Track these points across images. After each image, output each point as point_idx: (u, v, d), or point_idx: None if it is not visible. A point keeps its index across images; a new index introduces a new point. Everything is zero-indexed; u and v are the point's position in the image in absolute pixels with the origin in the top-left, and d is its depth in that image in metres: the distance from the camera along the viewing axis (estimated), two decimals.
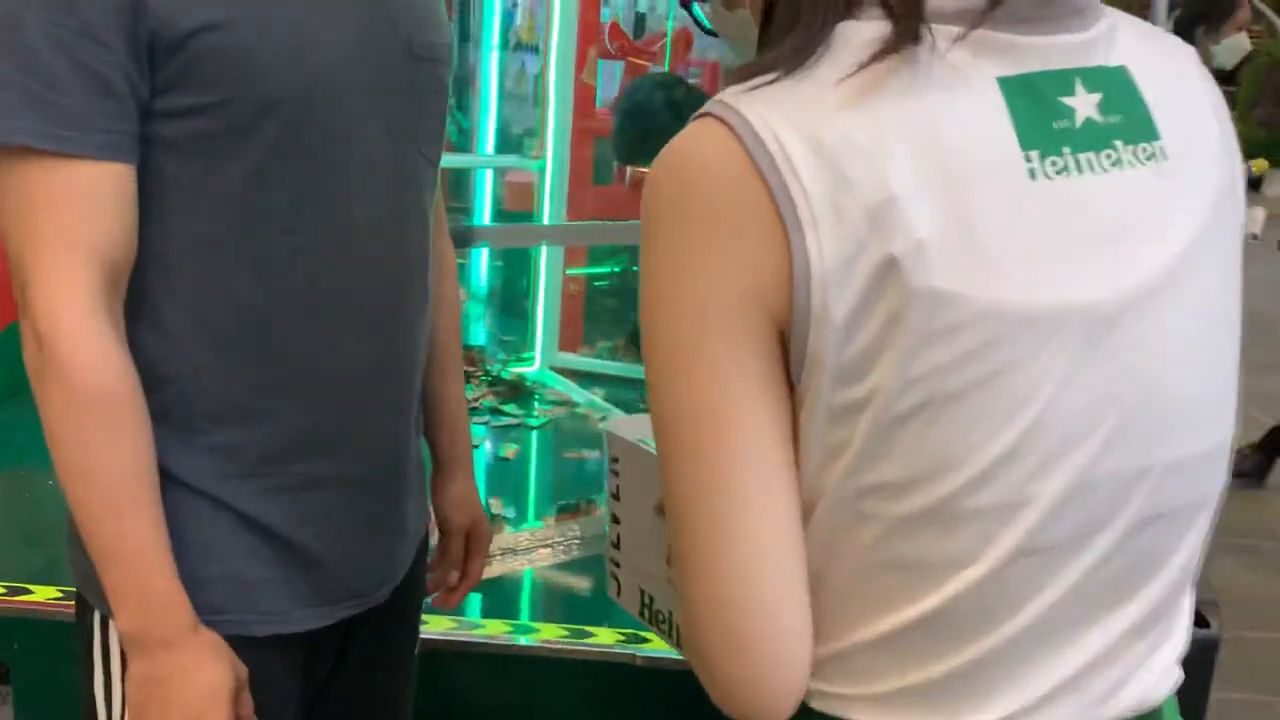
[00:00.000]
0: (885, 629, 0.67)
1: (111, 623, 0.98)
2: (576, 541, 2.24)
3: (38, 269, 0.89)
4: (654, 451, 1.19)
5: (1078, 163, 0.66)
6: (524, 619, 1.95)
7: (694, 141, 0.66)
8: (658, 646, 1.90)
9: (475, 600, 1.93)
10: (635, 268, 2.90)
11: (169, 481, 0.96)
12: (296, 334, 1.00)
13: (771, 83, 0.65)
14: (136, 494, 0.92)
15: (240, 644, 0.98)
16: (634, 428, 1.31)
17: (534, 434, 2.79)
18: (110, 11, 0.87)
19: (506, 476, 2.56)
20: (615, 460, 1.17)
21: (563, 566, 2.17)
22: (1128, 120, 0.68)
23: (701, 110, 0.67)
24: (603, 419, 2.86)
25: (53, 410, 0.91)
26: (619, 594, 1.21)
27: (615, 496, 1.18)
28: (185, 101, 0.92)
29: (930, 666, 0.67)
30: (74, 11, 0.87)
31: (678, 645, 1.14)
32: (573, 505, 2.24)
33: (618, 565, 1.20)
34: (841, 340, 0.62)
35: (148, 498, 0.93)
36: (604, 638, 1.91)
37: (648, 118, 2.65)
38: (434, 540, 1.32)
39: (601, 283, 3.53)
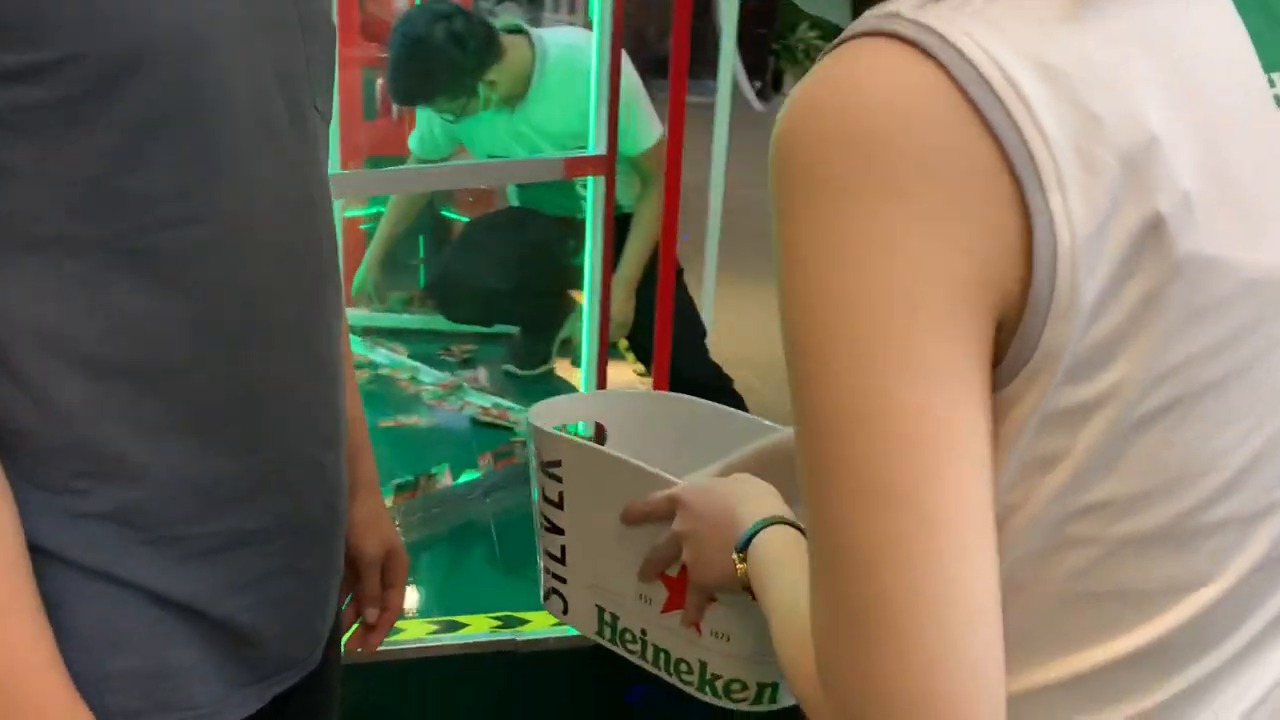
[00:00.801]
0: (1078, 669, 0.57)
1: None
2: (416, 520, 2.06)
3: None
4: (608, 451, 1.06)
5: None
6: None
7: (875, 73, 0.48)
8: (538, 627, 1.78)
9: None
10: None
11: (47, 562, 0.74)
12: (197, 353, 0.78)
13: None
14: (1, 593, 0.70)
15: None
16: (559, 413, 1.16)
17: None
18: None
19: None
20: (555, 464, 1.02)
21: (412, 551, 1.98)
22: None
23: (868, 28, 0.50)
24: (411, 379, 2.65)
25: None
26: (565, 612, 1.07)
27: (556, 504, 1.03)
28: (8, 61, 0.67)
29: (1126, 706, 0.58)
30: None
31: (654, 666, 1.01)
32: (411, 482, 2.04)
33: (562, 580, 1.06)
34: (1084, 329, 0.49)
35: (18, 595, 0.71)
36: (479, 626, 1.77)
37: (430, 53, 2.41)
38: None
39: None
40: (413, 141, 2.74)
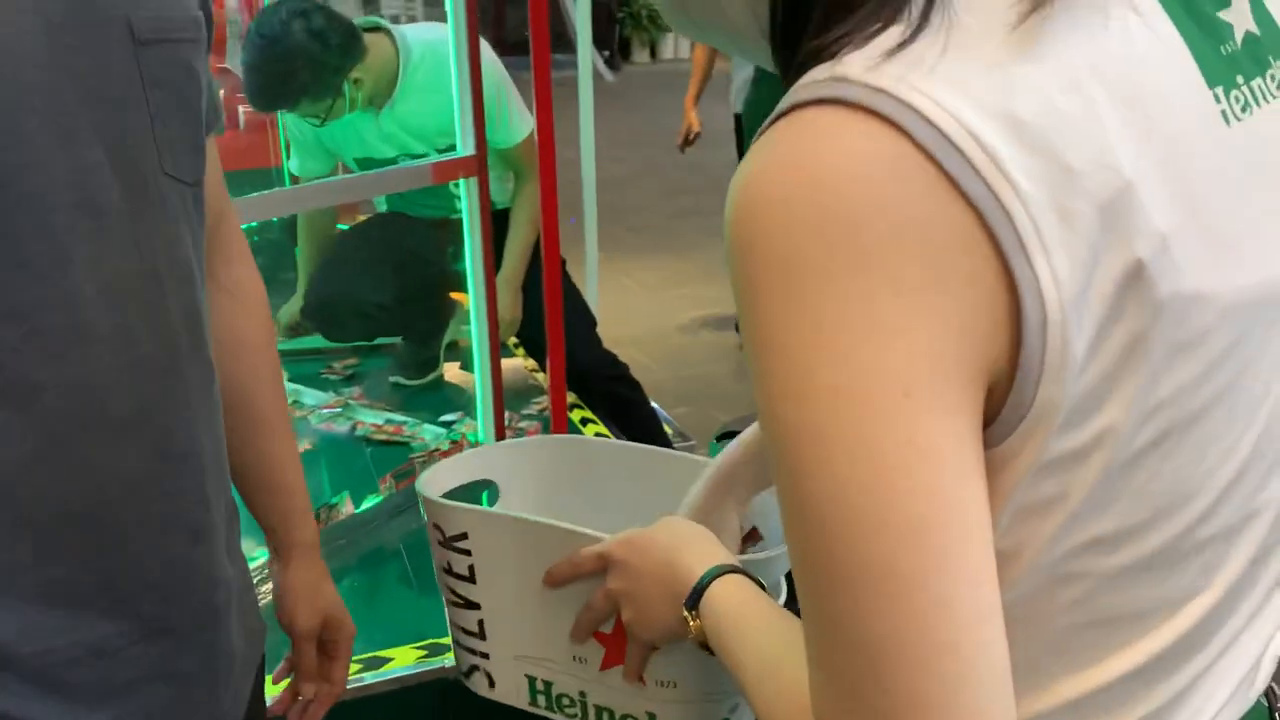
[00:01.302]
0: (1070, 695, 0.56)
1: None
2: (322, 555, 1.96)
3: None
4: (519, 515, 1.00)
5: (1253, 94, 0.55)
6: None
7: (838, 149, 0.45)
8: None
9: None
10: (275, 220, 2.48)
11: None
12: (18, 458, 0.71)
13: (905, 44, 0.46)
14: None
15: None
16: (449, 478, 1.09)
17: None
18: None
19: None
20: (461, 537, 0.96)
21: None
22: (1270, 32, 0.58)
23: (819, 95, 0.46)
24: (295, 403, 2.54)
25: None
26: (491, 687, 1.01)
27: (466, 578, 0.97)
28: None
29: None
30: None
31: None
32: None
33: (483, 656, 1.00)
34: (1075, 381, 0.48)
35: None
36: (405, 658, 1.70)
37: (291, 53, 2.27)
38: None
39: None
40: (293, 165, 2.60)
